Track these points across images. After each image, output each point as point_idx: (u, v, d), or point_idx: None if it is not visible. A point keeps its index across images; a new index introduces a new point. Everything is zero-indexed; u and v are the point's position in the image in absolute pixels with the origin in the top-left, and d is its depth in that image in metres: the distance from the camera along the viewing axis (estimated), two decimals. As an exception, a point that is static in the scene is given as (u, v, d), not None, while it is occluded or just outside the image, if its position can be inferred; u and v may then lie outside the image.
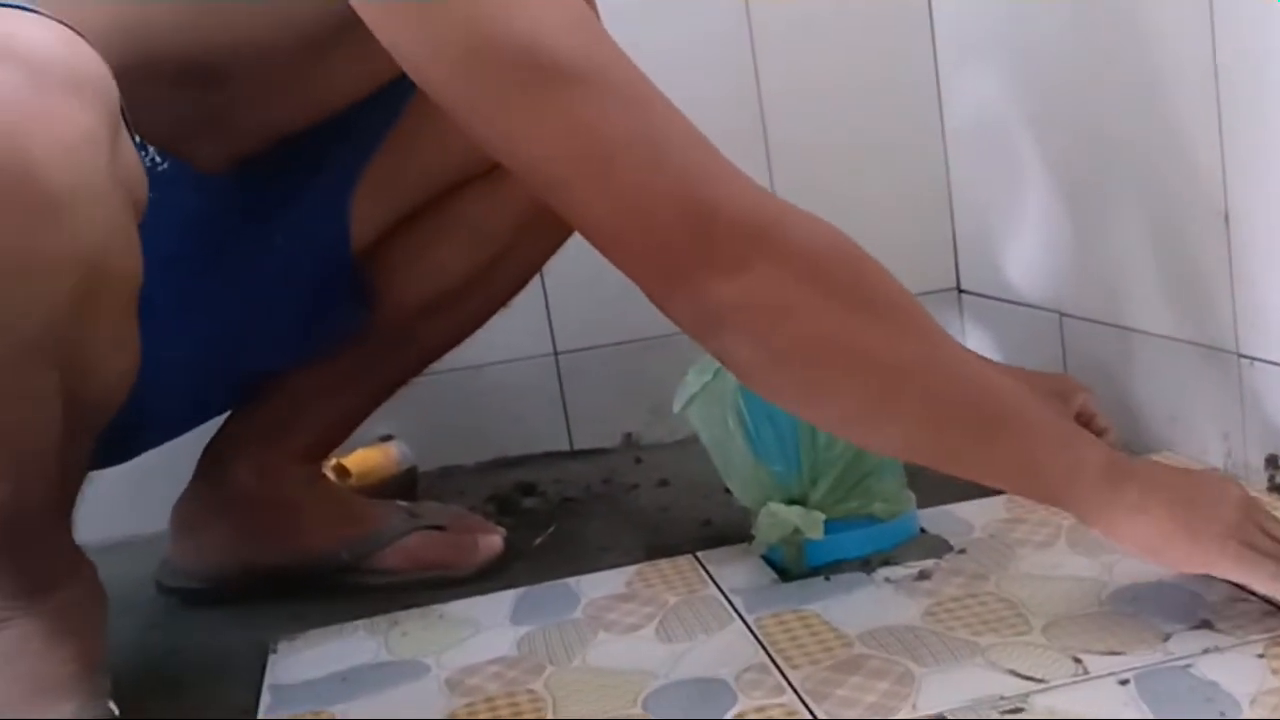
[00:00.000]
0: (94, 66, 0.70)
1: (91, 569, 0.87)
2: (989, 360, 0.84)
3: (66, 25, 0.69)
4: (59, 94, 0.67)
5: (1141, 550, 0.78)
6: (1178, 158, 1.03)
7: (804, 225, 0.73)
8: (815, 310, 0.72)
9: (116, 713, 0.83)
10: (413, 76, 0.70)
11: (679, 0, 1.36)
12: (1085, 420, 1.00)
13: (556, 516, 1.21)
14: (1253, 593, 0.79)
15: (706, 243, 0.70)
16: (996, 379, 0.79)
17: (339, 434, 1.14)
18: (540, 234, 1.09)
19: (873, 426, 0.77)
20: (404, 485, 1.29)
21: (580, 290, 1.37)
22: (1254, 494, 0.97)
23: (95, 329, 0.77)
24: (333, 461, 1.24)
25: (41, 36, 0.68)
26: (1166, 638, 0.77)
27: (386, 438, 1.32)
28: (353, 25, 0.70)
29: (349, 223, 1.02)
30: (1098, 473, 0.77)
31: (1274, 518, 0.81)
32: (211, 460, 1.10)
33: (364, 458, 1.28)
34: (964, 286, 1.47)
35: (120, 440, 0.89)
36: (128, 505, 1.14)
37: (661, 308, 0.73)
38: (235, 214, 0.97)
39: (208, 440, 1.10)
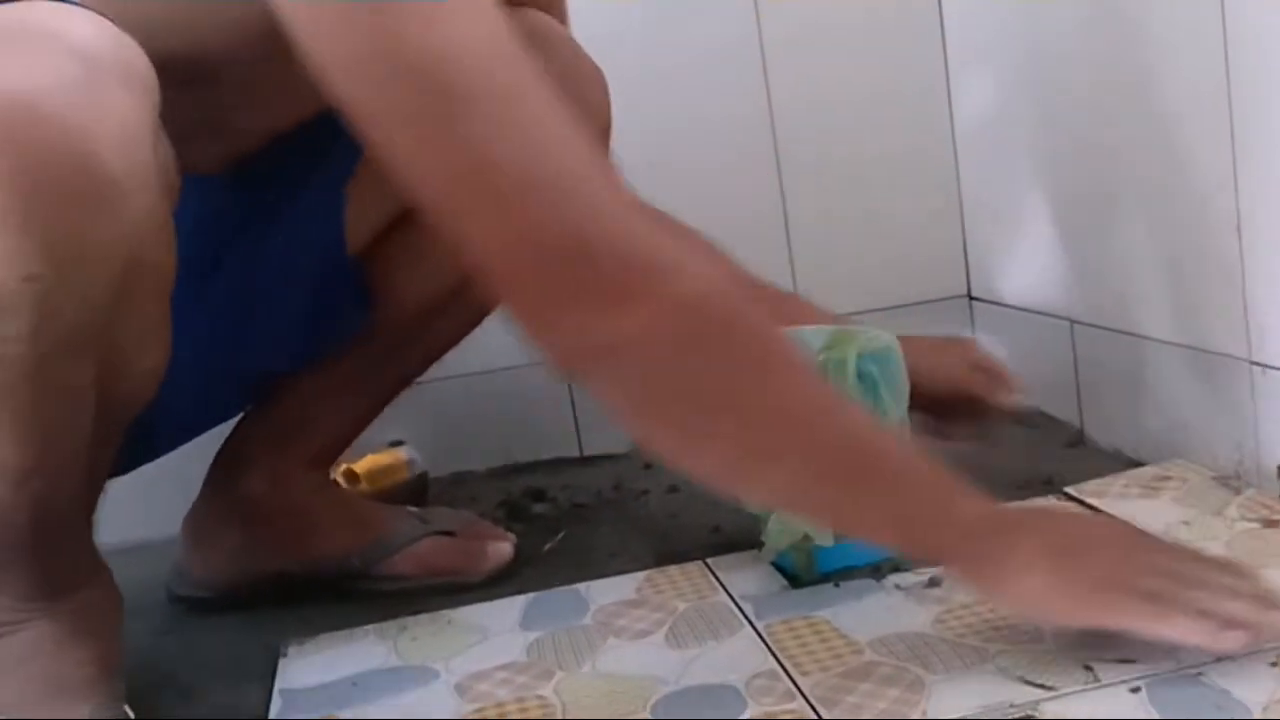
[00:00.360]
0: (139, 59, 0.72)
1: (108, 572, 0.88)
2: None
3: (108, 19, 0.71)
4: (113, 86, 0.69)
5: (1026, 609, 0.77)
6: (1190, 165, 1.02)
7: (691, 270, 0.72)
8: (690, 357, 0.71)
9: (131, 716, 0.83)
10: (313, 70, 0.68)
11: (690, 9, 1.36)
12: (984, 369, 1.02)
13: (566, 522, 1.21)
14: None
15: (584, 279, 0.69)
16: (875, 429, 0.78)
17: (347, 437, 1.14)
18: None
19: (746, 478, 0.77)
20: (415, 491, 1.29)
21: (590, 296, 1.37)
22: (1253, 499, 0.97)
23: (131, 320, 0.78)
24: (342, 467, 1.24)
25: (93, 31, 0.70)
26: (1178, 646, 0.77)
27: (397, 443, 1.32)
28: None
29: (343, 221, 1.02)
30: (978, 528, 0.75)
31: (1166, 548, 0.81)
32: (221, 469, 1.10)
33: (374, 463, 1.28)
34: (975, 294, 1.47)
35: (128, 447, 0.90)
36: (139, 510, 1.14)
37: (534, 342, 0.71)
38: (230, 214, 0.97)
39: (216, 450, 1.11)
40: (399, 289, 1.07)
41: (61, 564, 0.83)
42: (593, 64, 1.05)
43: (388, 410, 1.15)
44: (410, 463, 1.31)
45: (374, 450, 1.29)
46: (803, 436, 0.74)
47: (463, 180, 0.68)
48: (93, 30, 0.70)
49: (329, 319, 1.05)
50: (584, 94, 1.00)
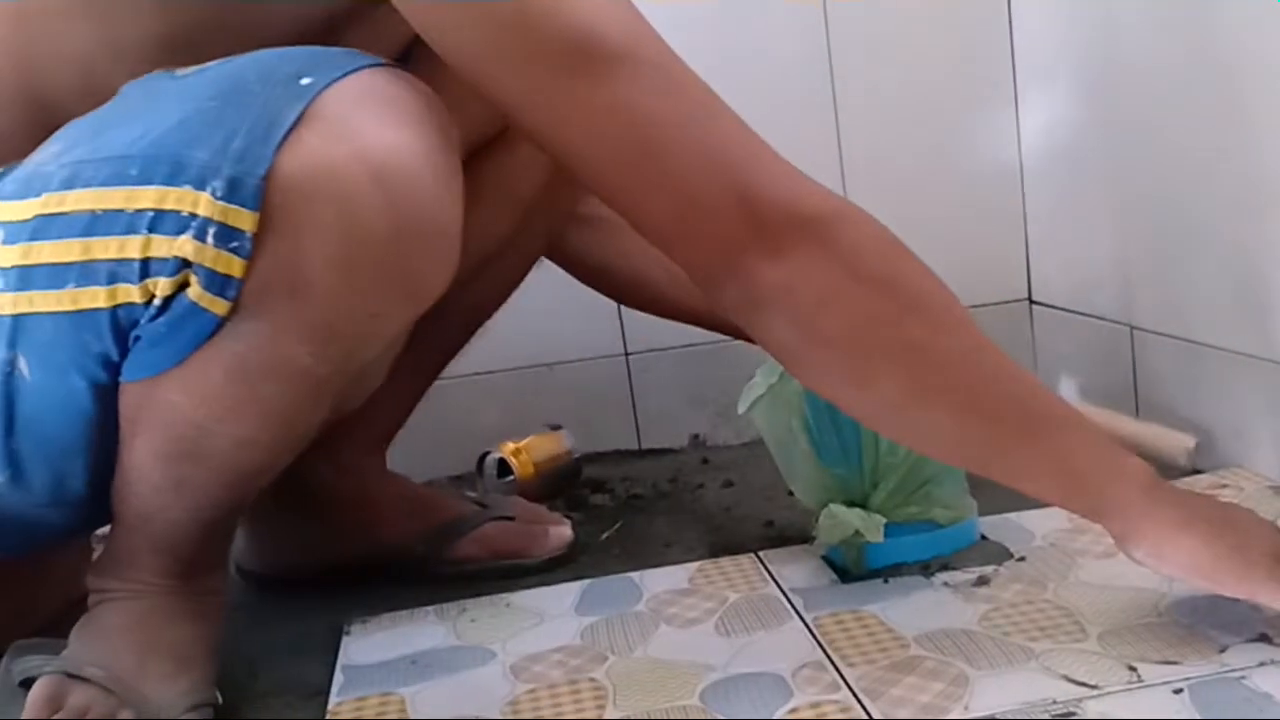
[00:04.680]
0: (449, 120, 0.76)
1: (226, 561, 0.91)
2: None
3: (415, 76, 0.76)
4: (448, 150, 0.75)
5: (1188, 570, 0.77)
6: (1253, 172, 1.02)
7: (850, 216, 0.75)
8: (857, 298, 0.74)
9: (220, 700, 0.86)
10: (458, 68, 0.72)
11: (759, 10, 1.38)
12: None
13: (623, 513, 1.23)
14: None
15: (753, 228, 0.72)
16: (1040, 384, 0.79)
17: (400, 418, 1.15)
18: (563, 187, 1.08)
19: (911, 417, 0.77)
20: (571, 473, 1.33)
21: (652, 292, 1.39)
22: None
23: (385, 357, 0.87)
24: (510, 446, 1.29)
25: (423, 97, 0.74)
26: (1223, 649, 0.77)
27: (556, 426, 1.35)
28: (361, 12, 0.74)
29: None
30: (1141, 486, 0.77)
31: None
32: None
33: (538, 444, 1.31)
34: (1035, 298, 1.47)
35: None
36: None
37: (706, 292, 0.75)
38: None
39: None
40: None
41: (207, 554, 0.87)
42: None
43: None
44: (571, 446, 1.34)
45: (535, 433, 1.33)
46: (967, 381, 0.76)
47: (627, 146, 0.72)
48: (422, 96, 0.74)
49: None
50: None
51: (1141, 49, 1.17)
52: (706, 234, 0.73)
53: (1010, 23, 1.41)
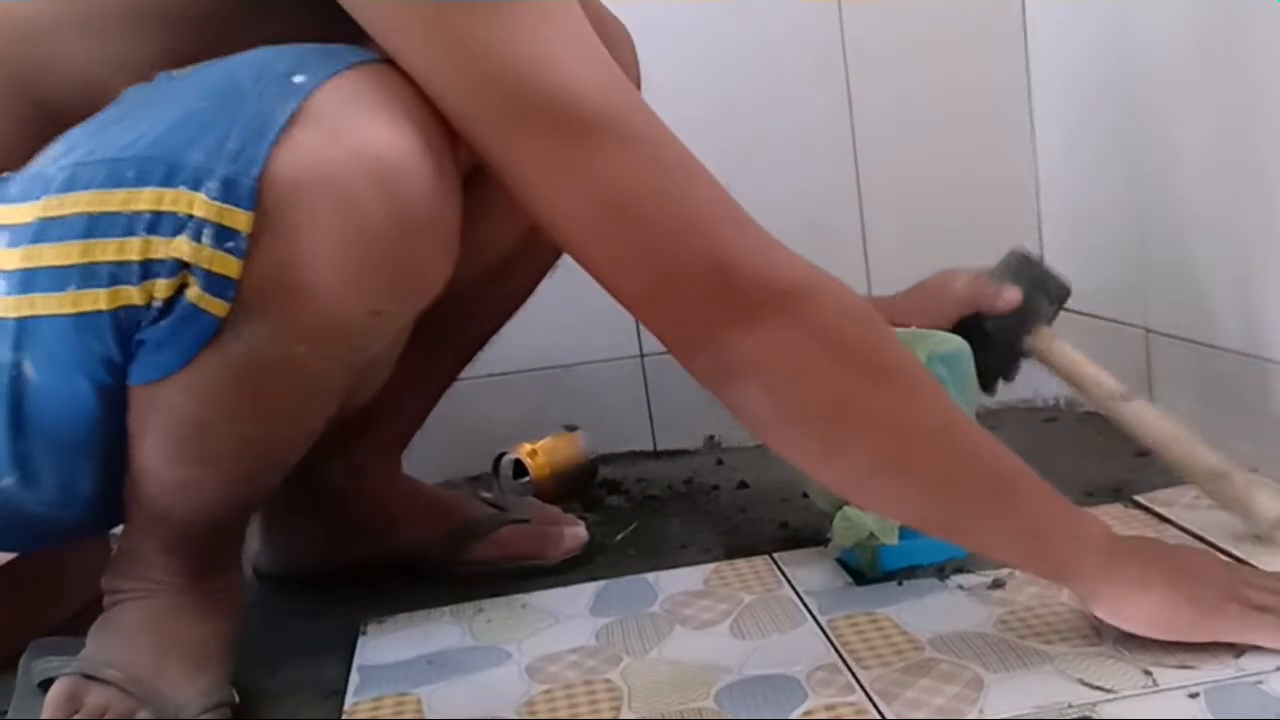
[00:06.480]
0: (443, 120, 0.75)
1: (240, 561, 0.92)
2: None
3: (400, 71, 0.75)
4: (444, 147, 0.74)
5: (1148, 627, 0.78)
6: (1271, 175, 1.02)
7: (824, 288, 0.74)
8: (829, 371, 0.73)
9: (237, 700, 0.86)
10: (439, 104, 0.72)
11: (773, 16, 1.38)
12: (982, 297, 1.04)
13: (638, 514, 1.24)
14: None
15: (727, 298, 0.72)
16: (1004, 451, 0.79)
17: (417, 422, 1.15)
18: None
19: (878, 487, 0.77)
20: (587, 474, 1.33)
21: (667, 294, 1.39)
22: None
23: (390, 353, 0.87)
24: (526, 447, 1.29)
25: (416, 93, 0.73)
26: (1239, 654, 0.77)
27: (572, 428, 1.36)
28: (364, 32, 0.73)
29: None
30: (1098, 549, 0.78)
31: (1258, 573, 0.85)
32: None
33: (554, 445, 1.32)
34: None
35: None
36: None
37: (680, 361, 0.75)
38: None
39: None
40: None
41: (219, 552, 0.88)
42: (620, 24, 1.04)
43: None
44: (587, 448, 1.34)
45: (551, 433, 1.33)
46: (936, 455, 0.76)
47: (603, 216, 0.71)
48: (414, 91, 0.73)
49: None
50: (616, 55, 1.02)
51: (1158, 52, 1.17)
52: (681, 303, 0.73)
53: (1025, 28, 1.41)
